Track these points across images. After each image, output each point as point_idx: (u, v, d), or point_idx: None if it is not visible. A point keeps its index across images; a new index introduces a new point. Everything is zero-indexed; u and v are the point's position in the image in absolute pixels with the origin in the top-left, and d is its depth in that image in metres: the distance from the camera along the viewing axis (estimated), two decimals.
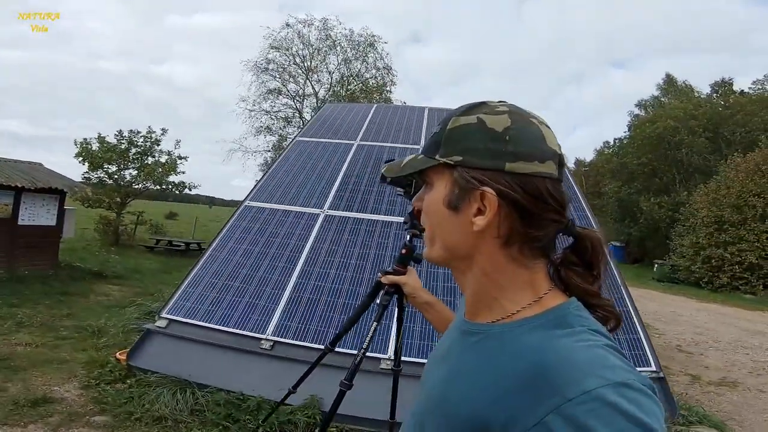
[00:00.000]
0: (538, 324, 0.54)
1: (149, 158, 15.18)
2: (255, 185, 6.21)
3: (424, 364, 0.77)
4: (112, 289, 8.33)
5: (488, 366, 0.54)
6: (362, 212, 5.67)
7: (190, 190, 16.13)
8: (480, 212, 0.57)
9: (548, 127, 0.60)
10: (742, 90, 25.95)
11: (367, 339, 1.73)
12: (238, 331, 4.27)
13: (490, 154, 0.57)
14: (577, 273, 0.59)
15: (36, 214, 8.10)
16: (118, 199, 14.32)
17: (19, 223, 7.85)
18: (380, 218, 5.59)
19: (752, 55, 63.63)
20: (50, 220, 8.32)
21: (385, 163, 0.78)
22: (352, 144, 7.14)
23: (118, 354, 4.43)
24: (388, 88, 19.23)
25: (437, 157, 0.61)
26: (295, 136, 7.88)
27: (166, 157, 15.46)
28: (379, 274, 1.43)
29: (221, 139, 52.83)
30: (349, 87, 18.84)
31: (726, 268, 15.89)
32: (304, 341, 4.16)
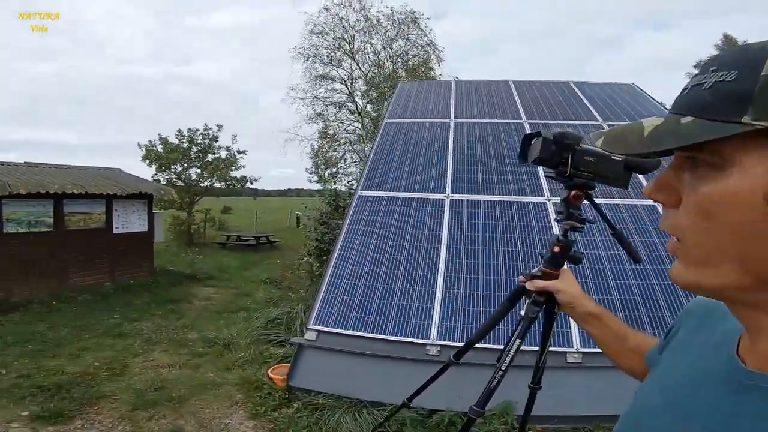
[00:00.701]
0: None
1: (209, 155, 15.16)
2: (362, 174, 5.71)
3: None
4: (209, 292, 8.26)
5: None
6: (491, 194, 5.06)
7: (252, 184, 16.06)
8: None
9: None
10: None
11: (508, 358, 1.30)
12: (397, 338, 3.84)
13: None
14: None
15: (129, 221, 8.07)
16: (187, 199, 14.42)
17: (114, 231, 7.84)
18: (514, 199, 4.96)
19: None
20: (142, 226, 8.28)
21: (555, 135, 0.76)
22: (448, 122, 6.58)
23: (270, 372, 4.13)
24: (434, 65, 18.12)
25: (748, 120, 0.36)
26: (383, 118, 7.31)
27: (225, 152, 15.38)
28: (522, 277, 1.17)
29: (276, 129, 52.86)
30: (394, 67, 17.91)
31: None
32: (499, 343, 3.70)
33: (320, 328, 4.02)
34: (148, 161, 13.91)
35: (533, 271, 1.15)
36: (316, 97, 17.36)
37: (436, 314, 3.96)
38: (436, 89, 8.09)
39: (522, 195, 5.02)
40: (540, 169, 5.33)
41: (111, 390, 3.83)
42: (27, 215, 6.60)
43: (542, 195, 5.01)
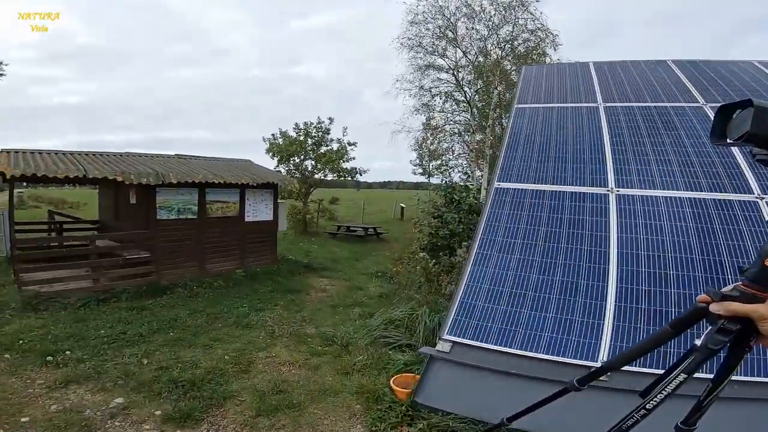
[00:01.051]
0: None
1: (322, 147, 15.70)
2: (498, 163, 5.01)
3: None
4: (324, 283, 8.34)
5: None
6: (674, 189, 3.98)
7: (360, 175, 16.29)
8: None
9: None
10: None
11: (660, 396, 0.89)
12: (553, 357, 3.13)
13: None
14: None
15: (258, 210, 8.51)
16: (303, 189, 15.14)
17: (246, 219, 8.31)
18: (709, 196, 3.82)
19: None
20: (268, 215, 8.69)
21: None
22: (596, 106, 5.55)
23: (392, 383, 3.75)
24: (549, 50, 16.26)
25: None
26: (512, 104, 6.49)
27: (337, 144, 15.78)
28: (706, 296, 0.87)
29: (384, 121, 54.29)
30: (503, 54, 16.49)
31: None
32: (650, 368, 2.85)
33: (455, 338, 3.48)
34: (271, 154, 14.91)
35: (724, 289, 0.85)
36: (421, 88, 16.84)
37: (607, 331, 3.15)
38: (570, 72, 7.03)
39: (720, 191, 3.86)
40: (736, 151, 4.10)
41: (237, 389, 3.81)
42: (177, 203, 7.27)
43: (749, 191, 3.79)
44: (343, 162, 15.49)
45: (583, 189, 4.26)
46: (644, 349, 1.10)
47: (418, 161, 24.49)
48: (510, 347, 3.29)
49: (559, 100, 5.99)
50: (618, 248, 3.63)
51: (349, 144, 15.73)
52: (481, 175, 15.25)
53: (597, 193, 4.16)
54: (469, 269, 3.89)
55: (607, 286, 3.40)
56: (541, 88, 6.48)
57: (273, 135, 15.02)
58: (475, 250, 4.01)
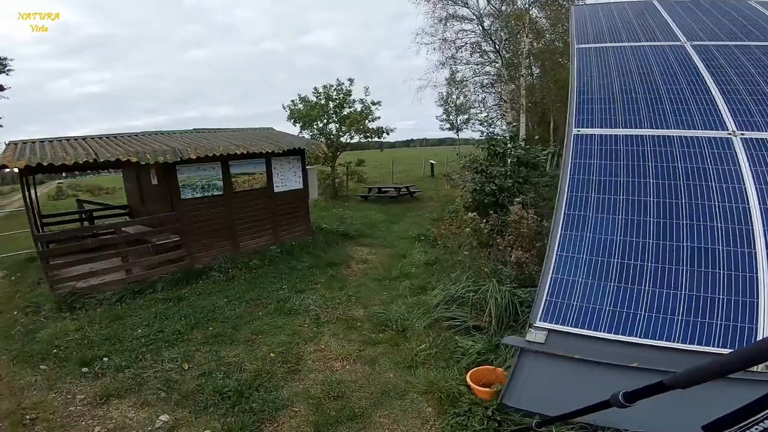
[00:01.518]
0: None
1: (345, 109, 14.74)
2: (571, 108, 4.08)
3: None
4: (364, 253, 7.78)
5: None
6: None
7: (388, 134, 15.29)
8: None
9: None
10: None
11: None
12: (691, 346, 2.43)
13: None
14: None
15: (286, 179, 7.90)
16: (330, 153, 14.41)
17: (275, 190, 7.73)
18: None
19: None
20: (298, 183, 8.08)
21: None
22: (681, 45, 4.73)
23: (469, 380, 3.15)
24: None
25: None
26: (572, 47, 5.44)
27: (360, 105, 14.76)
28: None
29: (408, 77, 51.59)
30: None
31: None
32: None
33: (552, 325, 2.80)
34: (293, 120, 14.11)
35: None
36: (445, 40, 15.19)
37: (765, 312, 2.39)
38: (633, 11, 6.05)
39: None
40: None
41: (288, 396, 3.32)
42: (200, 179, 6.72)
43: None
44: (369, 122, 14.53)
45: (692, 133, 3.36)
46: (729, 367, 0.72)
47: (444, 116, 23.05)
48: (629, 335, 2.59)
49: (629, 39, 5.06)
50: (760, 203, 2.77)
51: (373, 103, 14.68)
52: (514, 126, 13.95)
53: (715, 137, 3.25)
54: (559, 234, 3.13)
55: (754, 252, 2.59)
56: (603, 27, 5.58)
57: (293, 101, 14.16)
58: (563, 210, 3.23)
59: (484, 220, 6.70)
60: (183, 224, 6.53)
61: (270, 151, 7.19)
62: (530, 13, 13.87)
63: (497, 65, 14.92)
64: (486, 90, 17.99)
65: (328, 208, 12.66)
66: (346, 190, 15.50)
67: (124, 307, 5.19)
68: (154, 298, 5.47)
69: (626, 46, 4.88)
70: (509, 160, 8.30)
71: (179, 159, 6.06)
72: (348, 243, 8.41)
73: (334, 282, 6.11)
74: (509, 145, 8.54)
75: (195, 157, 6.25)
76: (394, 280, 6.19)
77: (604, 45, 5.00)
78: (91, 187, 28.25)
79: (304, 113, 13.76)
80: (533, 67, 14.47)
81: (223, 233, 7.04)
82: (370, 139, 15.03)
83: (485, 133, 10.89)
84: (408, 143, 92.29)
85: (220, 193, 6.98)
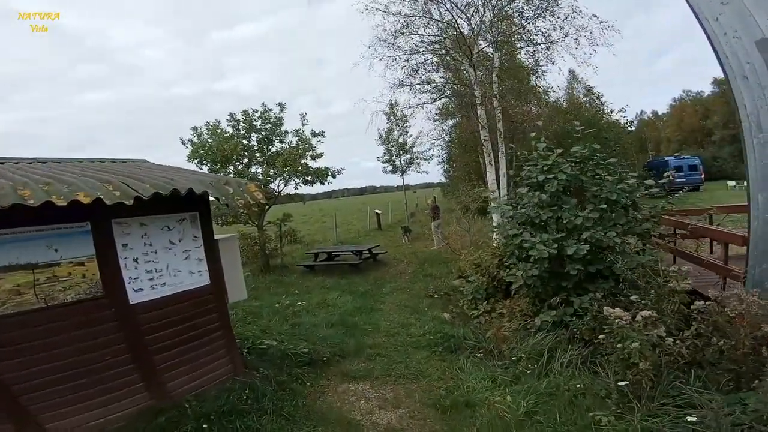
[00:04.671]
0: None
1: (275, 144, 10.70)
2: None
3: None
4: (367, 404, 3.58)
5: None
6: None
7: (334, 177, 11.41)
8: None
9: None
10: None
11: None
12: None
13: None
14: None
15: (167, 265, 3.44)
16: (255, 208, 10.04)
17: (134, 301, 3.28)
18: None
19: None
20: (198, 275, 3.60)
21: None
22: None
23: None
24: None
25: None
26: None
27: (295, 138, 10.84)
28: None
29: (360, 98, 46.53)
30: None
31: None
32: None
33: None
34: (196, 161, 9.60)
35: None
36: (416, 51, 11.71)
37: None
38: None
39: None
40: None
41: None
42: None
43: None
44: (311, 159, 10.61)
45: None
46: None
47: (386, 157, 19.97)
48: None
49: None
50: None
51: (314, 135, 10.86)
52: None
53: None
54: None
55: None
56: None
57: (195, 129, 9.72)
58: None
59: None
60: None
61: (114, 195, 2.79)
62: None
63: (469, 81, 11.79)
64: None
65: (261, 291, 8.12)
66: (282, 257, 11.02)
67: None
68: None
69: None
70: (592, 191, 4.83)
71: None
72: (323, 381, 4.11)
73: None
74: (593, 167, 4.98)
75: None
76: None
77: None
78: None
79: (215, 148, 9.36)
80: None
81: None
82: (311, 185, 10.97)
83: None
84: (330, 194, 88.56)
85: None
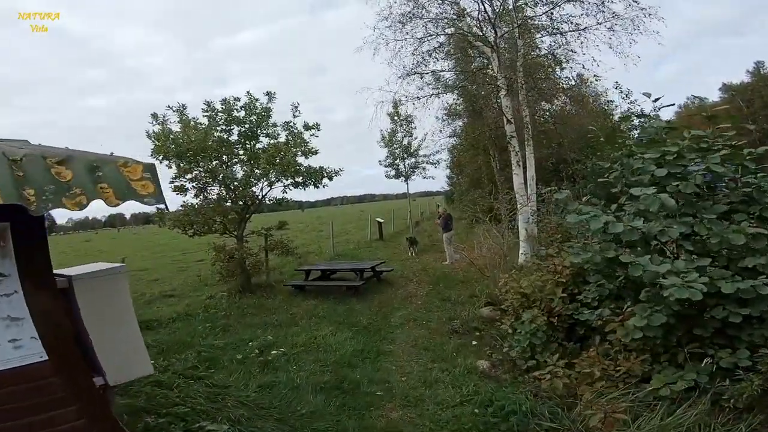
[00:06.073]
0: None
1: (260, 139, 8.92)
2: None
3: None
4: None
5: None
6: None
7: (331, 179, 9.59)
8: None
9: None
10: None
11: None
12: None
13: None
14: None
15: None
16: (234, 215, 8.23)
17: None
18: None
19: None
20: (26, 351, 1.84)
21: None
22: None
23: None
24: None
25: None
26: None
27: (285, 132, 9.06)
28: None
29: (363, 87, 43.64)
30: None
31: None
32: None
33: None
34: (160, 157, 7.79)
35: None
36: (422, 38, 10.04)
37: None
38: None
39: None
40: None
41: None
42: None
43: None
44: (300, 157, 8.80)
45: None
46: None
47: (390, 160, 18.16)
48: None
49: None
50: None
51: (307, 128, 9.08)
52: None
53: None
54: None
55: None
56: None
57: (155, 117, 7.89)
58: None
59: None
60: None
61: None
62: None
63: (491, 69, 9.99)
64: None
65: (233, 321, 6.27)
66: (267, 274, 9.15)
67: None
68: None
69: None
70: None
71: None
72: None
73: None
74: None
75: None
76: None
77: None
78: None
79: (181, 142, 7.55)
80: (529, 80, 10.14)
81: None
82: (303, 187, 9.15)
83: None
84: (329, 202, 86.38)
85: None
